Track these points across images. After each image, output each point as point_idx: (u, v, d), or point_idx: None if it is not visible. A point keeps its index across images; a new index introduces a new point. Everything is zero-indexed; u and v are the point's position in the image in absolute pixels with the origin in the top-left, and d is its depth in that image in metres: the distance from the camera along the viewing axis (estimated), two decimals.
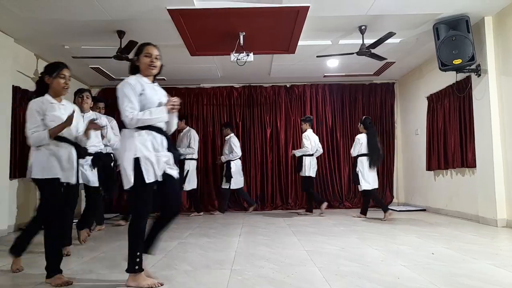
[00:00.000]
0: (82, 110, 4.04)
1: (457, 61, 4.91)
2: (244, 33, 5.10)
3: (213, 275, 2.75)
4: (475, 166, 5.34)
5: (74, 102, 4.07)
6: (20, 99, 5.42)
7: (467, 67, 5.04)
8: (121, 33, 5.15)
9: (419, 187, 7.23)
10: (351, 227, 4.97)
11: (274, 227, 5.12)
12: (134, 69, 2.67)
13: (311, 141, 6.55)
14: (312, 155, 6.60)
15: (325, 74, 7.60)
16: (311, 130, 6.73)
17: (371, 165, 5.86)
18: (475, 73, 5.15)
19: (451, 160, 5.97)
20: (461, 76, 5.50)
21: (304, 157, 6.56)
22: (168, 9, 4.46)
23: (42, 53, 6.03)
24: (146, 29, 5.08)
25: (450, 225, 5.04)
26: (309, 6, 4.48)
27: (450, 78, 5.71)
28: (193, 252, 3.51)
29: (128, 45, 5.10)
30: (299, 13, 4.62)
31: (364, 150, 5.95)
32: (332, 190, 7.86)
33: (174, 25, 4.86)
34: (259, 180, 7.87)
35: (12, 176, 5.21)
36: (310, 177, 6.58)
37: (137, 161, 2.42)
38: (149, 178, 2.42)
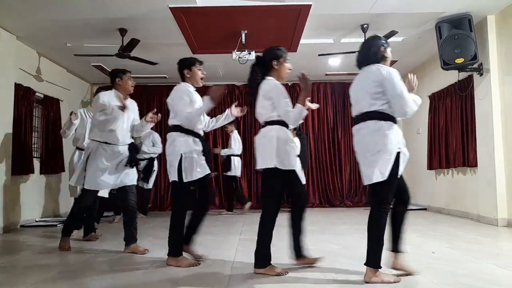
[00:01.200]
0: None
1: (459, 60, 4.90)
2: (246, 32, 5.10)
3: (215, 272, 2.76)
4: (476, 166, 5.33)
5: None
6: (22, 96, 5.43)
7: (469, 66, 5.03)
8: (123, 31, 5.15)
9: (420, 186, 7.22)
10: (353, 226, 4.97)
11: (275, 226, 5.12)
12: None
13: (238, 143, 6.88)
14: (239, 155, 6.89)
15: (327, 73, 7.59)
16: (237, 131, 7.06)
17: (302, 166, 6.39)
18: (477, 72, 5.13)
19: (452, 159, 5.97)
20: (463, 75, 5.48)
21: (232, 157, 6.81)
22: (170, 7, 4.45)
23: (44, 51, 6.04)
24: (148, 27, 5.08)
25: (451, 225, 5.04)
26: (311, 5, 4.47)
27: (452, 77, 5.70)
28: (195, 249, 3.52)
29: (130, 43, 5.10)
30: (301, 12, 4.61)
31: (297, 152, 6.44)
32: (333, 189, 7.86)
33: (176, 23, 4.86)
34: (260, 179, 7.86)
35: (14, 173, 5.23)
36: (236, 176, 6.89)
37: None
38: None
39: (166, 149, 3.07)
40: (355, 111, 2.62)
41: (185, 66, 3.14)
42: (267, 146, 2.69)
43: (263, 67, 2.83)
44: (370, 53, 2.56)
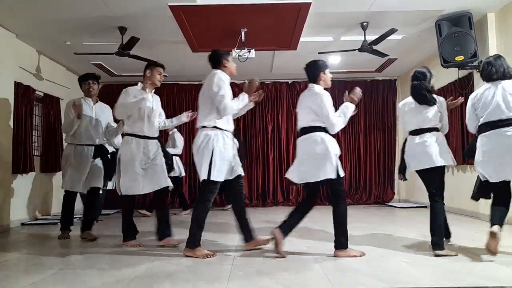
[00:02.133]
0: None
1: (459, 58, 4.90)
2: (245, 30, 5.10)
3: (215, 270, 2.77)
4: None
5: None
6: (22, 95, 5.44)
7: (469, 64, 5.03)
8: (122, 30, 5.15)
9: (420, 184, 7.17)
10: (352, 224, 4.95)
11: (275, 224, 5.11)
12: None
13: (181, 142, 6.76)
14: (179, 155, 6.73)
15: None
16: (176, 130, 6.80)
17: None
18: (478, 70, 5.12)
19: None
20: (463, 73, 5.48)
21: (173, 157, 6.38)
22: (169, 6, 4.45)
23: (44, 50, 6.04)
24: (148, 26, 5.09)
25: (451, 222, 5.00)
26: (310, 3, 4.46)
27: (452, 75, 5.70)
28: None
29: (129, 42, 5.10)
30: (301, 10, 4.61)
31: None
32: None
33: (176, 22, 4.85)
34: (261, 177, 7.88)
35: (14, 171, 5.24)
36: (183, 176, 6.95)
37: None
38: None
39: (315, 149, 3.10)
40: (500, 114, 3.10)
41: (322, 68, 3.31)
42: (437, 147, 3.42)
43: (426, 82, 3.35)
44: (504, 72, 3.12)
